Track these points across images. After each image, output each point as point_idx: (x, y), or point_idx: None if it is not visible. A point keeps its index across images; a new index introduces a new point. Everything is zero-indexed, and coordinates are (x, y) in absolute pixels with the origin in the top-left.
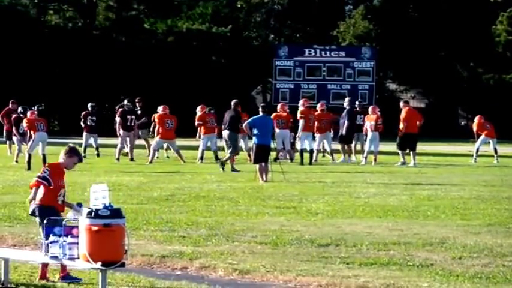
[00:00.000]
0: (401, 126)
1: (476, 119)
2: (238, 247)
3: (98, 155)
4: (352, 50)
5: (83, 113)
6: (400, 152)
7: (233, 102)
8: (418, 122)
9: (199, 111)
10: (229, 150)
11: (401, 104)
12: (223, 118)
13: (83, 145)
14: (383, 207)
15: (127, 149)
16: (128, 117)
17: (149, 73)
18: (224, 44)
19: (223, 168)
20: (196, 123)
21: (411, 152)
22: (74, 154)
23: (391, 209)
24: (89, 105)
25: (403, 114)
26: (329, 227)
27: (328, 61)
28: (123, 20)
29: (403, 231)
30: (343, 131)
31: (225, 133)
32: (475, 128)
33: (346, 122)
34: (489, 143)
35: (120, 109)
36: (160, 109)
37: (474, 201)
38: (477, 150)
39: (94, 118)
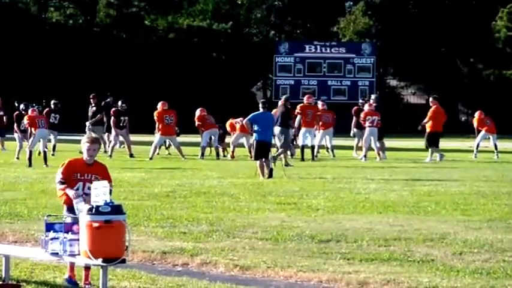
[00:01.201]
0: (427, 123)
1: (477, 114)
2: (239, 243)
3: (53, 154)
4: (353, 46)
5: (46, 109)
6: (430, 149)
7: (283, 97)
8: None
9: (198, 112)
10: (280, 146)
11: (431, 99)
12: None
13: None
14: (383, 203)
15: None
16: (122, 118)
17: (150, 70)
18: (225, 41)
19: (274, 163)
20: (196, 123)
21: (431, 148)
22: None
23: (392, 204)
24: (52, 102)
25: (431, 111)
26: (330, 223)
27: (328, 57)
28: (124, 16)
29: (403, 226)
30: None
31: (276, 129)
32: (475, 124)
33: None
34: (489, 138)
35: (114, 109)
36: (159, 106)
37: (474, 196)
38: (477, 146)
39: (57, 116)
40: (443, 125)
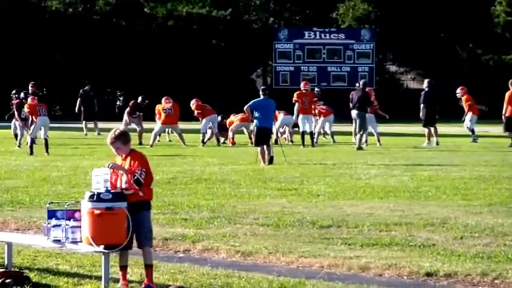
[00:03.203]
0: (506, 109)
1: (461, 91)
2: (240, 229)
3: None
4: (352, 32)
5: (16, 101)
6: (508, 133)
7: (361, 82)
8: None
9: (193, 103)
10: (358, 130)
11: (510, 83)
12: (351, 98)
13: (13, 132)
14: (384, 188)
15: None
16: (137, 113)
17: (149, 57)
18: (224, 28)
19: (361, 148)
20: (196, 113)
21: (508, 133)
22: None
23: (392, 189)
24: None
25: (507, 96)
26: (330, 209)
27: (328, 43)
28: (123, 4)
29: (404, 211)
30: (423, 114)
31: (354, 112)
32: (467, 103)
33: (424, 106)
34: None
35: (132, 101)
36: (162, 101)
37: (475, 181)
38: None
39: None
40: None
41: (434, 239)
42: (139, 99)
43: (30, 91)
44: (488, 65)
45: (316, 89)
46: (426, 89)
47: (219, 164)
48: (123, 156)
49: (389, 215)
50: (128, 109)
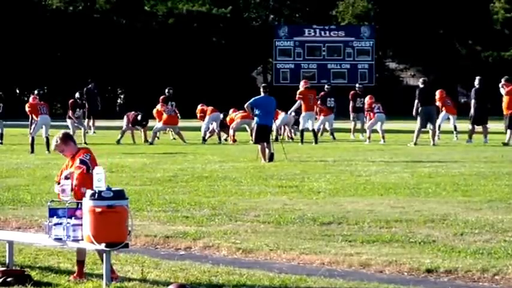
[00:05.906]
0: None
1: (438, 93)
2: (241, 226)
3: (1, 143)
4: (352, 29)
5: None
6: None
7: (421, 80)
8: None
9: (198, 108)
10: (436, 125)
11: (503, 81)
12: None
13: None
14: (384, 185)
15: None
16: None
17: (150, 55)
18: (224, 25)
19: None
20: (198, 115)
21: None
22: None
23: (393, 186)
24: None
25: (505, 93)
26: (331, 205)
27: (327, 41)
28: (124, 2)
29: (404, 208)
30: (472, 112)
31: (429, 109)
32: (437, 103)
33: (474, 103)
34: (449, 119)
35: (133, 117)
36: (158, 106)
37: (475, 177)
38: (439, 127)
39: (1, 105)
40: None
41: (434, 236)
42: (139, 117)
43: None
44: (487, 62)
45: (326, 86)
46: (477, 86)
47: (219, 161)
48: (69, 155)
49: (389, 212)
50: (130, 121)
